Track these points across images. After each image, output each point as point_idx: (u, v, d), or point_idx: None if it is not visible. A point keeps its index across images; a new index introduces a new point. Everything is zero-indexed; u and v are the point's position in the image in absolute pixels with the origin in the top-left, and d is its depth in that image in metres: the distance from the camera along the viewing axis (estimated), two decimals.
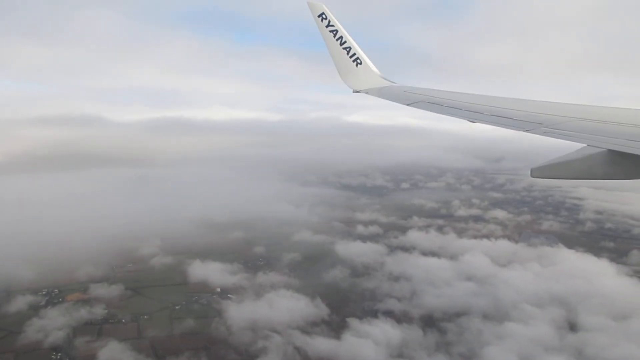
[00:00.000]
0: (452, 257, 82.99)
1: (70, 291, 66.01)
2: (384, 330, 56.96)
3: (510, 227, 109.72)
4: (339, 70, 15.16)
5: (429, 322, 60.59)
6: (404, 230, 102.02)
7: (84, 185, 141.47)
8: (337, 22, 14.55)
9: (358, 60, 15.03)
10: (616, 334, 55.02)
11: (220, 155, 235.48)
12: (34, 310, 59.69)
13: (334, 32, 14.59)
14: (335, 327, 58.33)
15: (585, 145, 6.81)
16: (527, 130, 7.76)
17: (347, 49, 14.88)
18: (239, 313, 59.90)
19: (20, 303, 61.13)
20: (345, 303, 66.07)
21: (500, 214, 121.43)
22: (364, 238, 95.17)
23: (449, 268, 77.51)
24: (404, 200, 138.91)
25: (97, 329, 56.31)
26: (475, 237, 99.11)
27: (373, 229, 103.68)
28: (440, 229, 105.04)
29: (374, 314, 62.46)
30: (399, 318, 61.10)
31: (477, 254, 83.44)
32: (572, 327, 58.99)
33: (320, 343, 53.87)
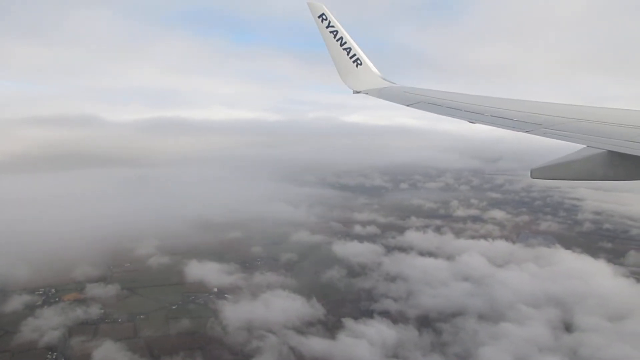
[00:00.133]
0: (450, 257, 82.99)
1: (67, 291, 66.02)
2: (380, 331, 57.04)
3: (508, 228, 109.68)
4: (339, 71, 15.15)
5: (425, 322, 60.64)
6: (401, 230, 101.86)
7: (82, 185, 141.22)
8: (337, 23, 14.54)
9: (358, 61, 15.02)
10: (611, 335, 55.08)
11: (219, 155, 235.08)
12: (30, 309, 59.68)
13: (334, 33, 14.59)
14: (330, 327, 58.41)
15: (584, 146, 6.81)
16: (527, 131, 7.78)
17: (347, 50, 14.88)
18: (235, 313, 59.98)
19: (16, 303, 61.13)
20: (342, 303, 66.17)
21: (498, 214, 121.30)
22: (361, 238, 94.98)
23: (446, 268, 77.60)
24: (402, 200, 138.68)
25: (93, 329, 56.31)
26: (473, 237, 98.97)
27: (371, 229, 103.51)
28: (438, 229, 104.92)
29: (369, 314, 62.52)
30: (395, 318, 61.17)
31: (475, 254, 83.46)
32: (568, 327, 59.11)
33: (316, 343, 53.93)
